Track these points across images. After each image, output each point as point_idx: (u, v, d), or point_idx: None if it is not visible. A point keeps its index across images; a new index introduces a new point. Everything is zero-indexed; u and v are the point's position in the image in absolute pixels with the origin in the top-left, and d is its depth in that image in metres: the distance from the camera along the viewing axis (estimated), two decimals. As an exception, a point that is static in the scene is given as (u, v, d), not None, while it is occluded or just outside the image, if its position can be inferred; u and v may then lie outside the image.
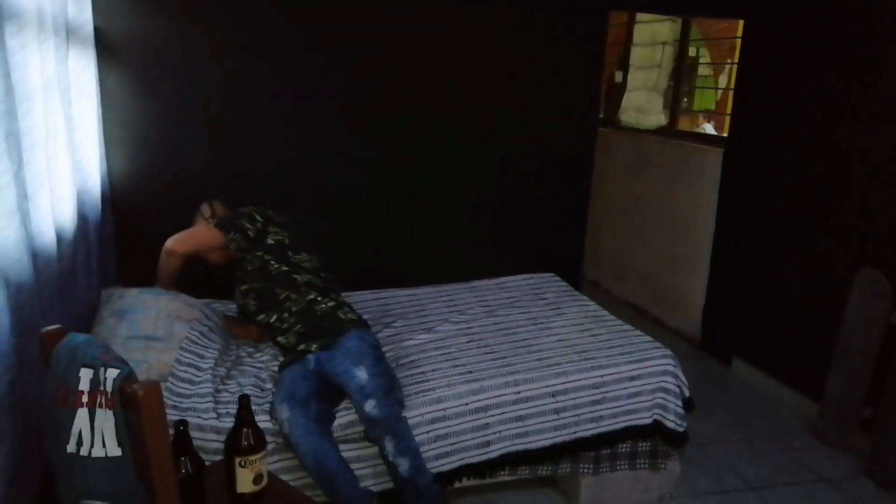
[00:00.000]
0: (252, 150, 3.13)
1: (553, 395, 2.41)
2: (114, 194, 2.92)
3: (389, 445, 2.13)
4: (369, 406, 2.15)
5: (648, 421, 2.56)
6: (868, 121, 3.10)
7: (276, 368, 2.45)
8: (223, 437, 1.97)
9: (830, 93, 3.29)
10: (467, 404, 2.30)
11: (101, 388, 1.43)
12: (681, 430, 2.59)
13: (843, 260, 3.21)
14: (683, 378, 2.64)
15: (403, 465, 2.13)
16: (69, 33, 2.26)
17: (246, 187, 3.13)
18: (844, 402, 3.13)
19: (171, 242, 2.51)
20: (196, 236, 2.60)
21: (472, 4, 3.32)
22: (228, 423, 2.03)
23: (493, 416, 2.33)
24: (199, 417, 2.09)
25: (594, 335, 2.79)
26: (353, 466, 2.16)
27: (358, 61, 3.19)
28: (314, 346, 2.37)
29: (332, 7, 3.10)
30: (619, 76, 5.60)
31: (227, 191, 3.08)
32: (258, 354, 2.57)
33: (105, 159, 2.82)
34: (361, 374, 2.22)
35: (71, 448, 1.44)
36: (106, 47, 2.74)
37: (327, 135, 3.24)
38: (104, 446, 1.44)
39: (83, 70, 2.44)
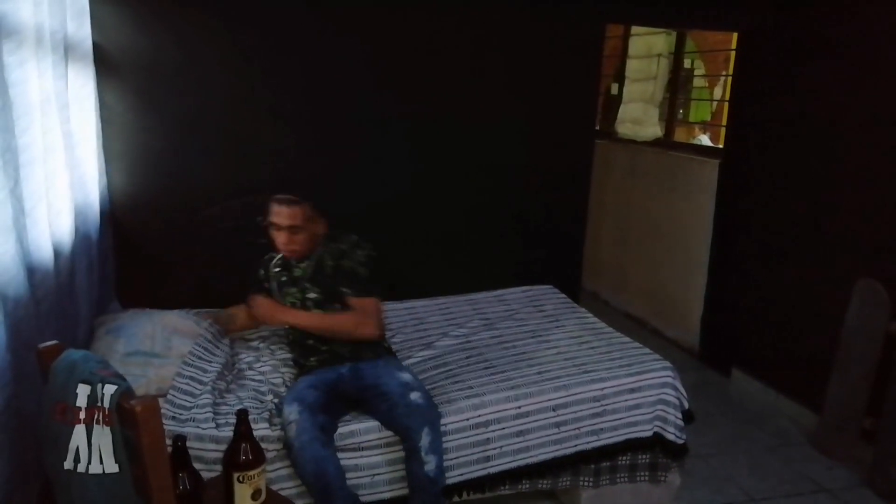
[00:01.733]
0: (251, 163, 3.13)
1: (554, 409, 2.40)
2: (113, 208, 2.92)
3: (426, 439, 2.14)
4: (415, 396, 2.22)
5: (649, 433, 2.56)
6: (864, 131, 3.12)
7: (276, 380, 2.45)
8: (222, 447, 1.97)
9: (825, 103, 3.31)
10: (468, 419, 2.29)
11: (99, 404, 1.43)
12: (681, 442, 2.58)
13: (841, 270, 3.22)
14: (683, 390, 2.63)
15: (431, 463, 2.14)
16: (68, 49, 2.27)
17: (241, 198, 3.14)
18: (845, 413, 3.13)
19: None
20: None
21: (469, 17, 3.34)
22: (227, 432, 2.03)
23: (493, 431, 2.32)
24: (198, 427, 2.09)
25: (593, 347, 2.79)
26: (350, 475, 2.15)
27: (356, 73, 3.21)
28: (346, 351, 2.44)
29: (331, 19, 3.12)
30: (615, 88, 5.62)
31: (223, 201, 3.10)
32: (258, 365, 2.57)
33: (105, 174, 2.83)
34: (405, 375, 2.35)
35: (68, 465, 1.44)
36: (105, 63, 2.75)
37: (324, 147, 3.24)
38: (101, 463, 1.44)
39: (82, 86, 2.45)
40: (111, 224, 2.89)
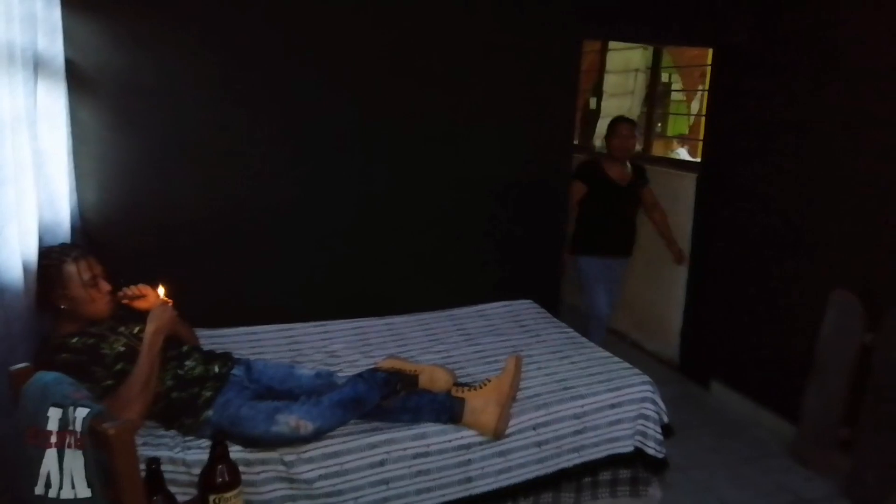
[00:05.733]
0: (228, 180, 3.10)
1: (535, 428, 2.38)
2: (85, 226, 2.87)
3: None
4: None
5: (630, 448, 2.56)
6: (837, 143, 3.17)
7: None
8: (192, 470, 1.96)
9: (799, 117, 3.37)
10: (451, 441, 2.27)
11: (71, 427, 1.42)
12: (661, 456, 2.58)
13: (817, 282, 3.26)
14: (662, 404, 2.64)
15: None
16: (39, 66, 2.24)
17: (221, 218, 3.11)
18: (822, 423, 3.15)
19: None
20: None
21: (447, 32, 3.35)
22: (196, 455, 2.01)
23: (475, 452, 2.29)
24: (170, 450, 2.05)
25: (573, 363, 2.79)
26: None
27: (333, 90, 3.20)
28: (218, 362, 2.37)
29: (310, 37, 3.11)
30: (593, 103, 5.68)
31: (202, 221, 3.07)
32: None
33: (77, 192, 2.78)
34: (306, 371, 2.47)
35: (39, 490, 1.42)
36: (78, 80, 2.71)
37: (303, 163, 3.22)
38: (73, 487, 1.43)
39: (53, 103, 2.41)
40: (83, 242, 2.85)
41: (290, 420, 2.09)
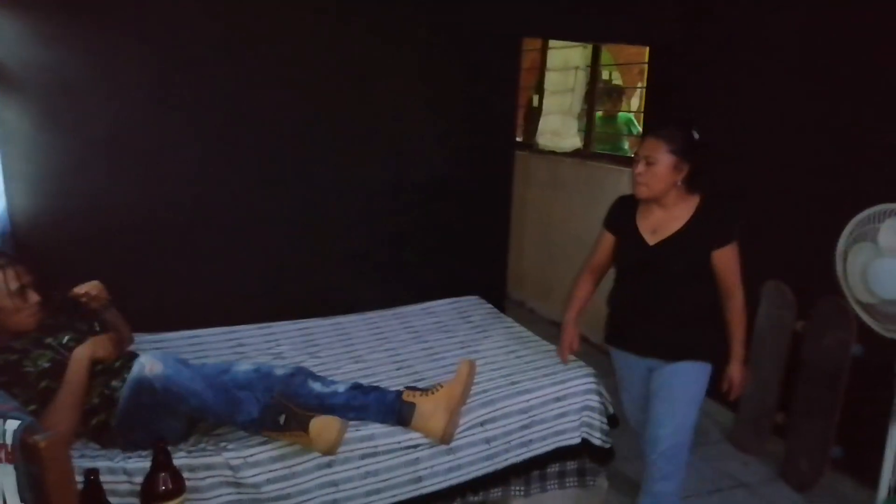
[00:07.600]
0: (165, 181, 3.03)
1: (482, 425, 2.40)
2: (15, 230, 2.77)
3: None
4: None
5: (577, 440, 2.60)
6: (764, 141, 3.29)
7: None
8: (134, 479, 1.91)
9: (731, 114, 3.47)
10: (399, 442, 2.26)
11: (1, 441, 1.35)
12: (607, 446, 2.64)
13: (750, 274, 3.35)
14: (607, 395, 2.69)
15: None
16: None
17: (160, 219, 3.03)
18: (758, 409, 3.27)
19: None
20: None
21: (388, 31, 3.35)
22: (137, 463, 1.96)
23: (423, 451, 2.29)
24: (110, 460, 1.99)
25: (519, 357, 2.82)
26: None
27: (272, 87, 3.16)
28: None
29: (243, 35, 3.06)
30: (536, 100, 5.74)
31: (137, 223, 2.98)
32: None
33: (5, 195, 2.68)
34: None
35: (-31, 508, 1.35)
36: (3, 79, 2.61)
37: (243, 162, 3.17)
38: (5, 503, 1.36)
39: (-22, 103, 2.32)
40: (13, 246, 2.74)
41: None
